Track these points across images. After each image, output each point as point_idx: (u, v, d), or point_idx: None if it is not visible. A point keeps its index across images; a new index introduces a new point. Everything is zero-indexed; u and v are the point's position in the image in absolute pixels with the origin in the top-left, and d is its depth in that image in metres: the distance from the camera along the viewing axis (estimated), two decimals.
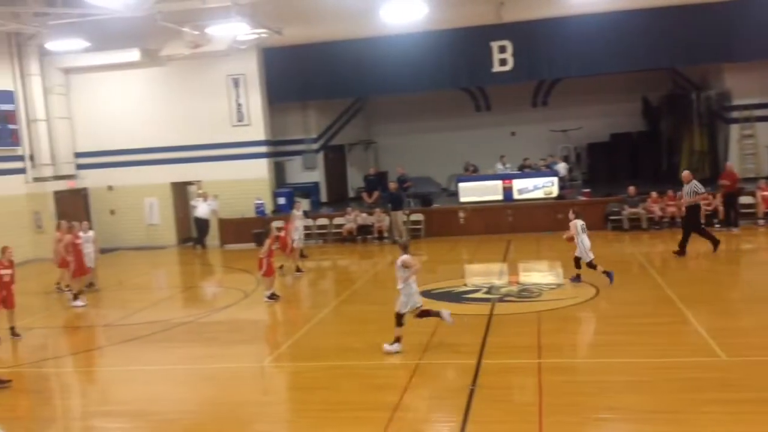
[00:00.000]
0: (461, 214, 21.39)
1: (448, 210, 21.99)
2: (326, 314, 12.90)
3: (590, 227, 19.88)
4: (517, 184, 21.82)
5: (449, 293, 13.55)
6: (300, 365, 9.93)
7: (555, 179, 21.81)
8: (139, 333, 12.01)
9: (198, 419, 8.13)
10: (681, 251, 15.67)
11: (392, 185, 21.50)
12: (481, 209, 21.45)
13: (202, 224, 22.52)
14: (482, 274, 16.04)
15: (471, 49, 22.22)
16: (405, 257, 9.87)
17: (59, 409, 9.19)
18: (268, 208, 22.91)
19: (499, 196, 21.80)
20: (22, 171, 22.35)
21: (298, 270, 16.84)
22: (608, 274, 13.10)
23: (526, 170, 23.29)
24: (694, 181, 15.82)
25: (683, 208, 16.44)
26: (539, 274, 15.89)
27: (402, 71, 22.32)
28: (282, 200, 23.03)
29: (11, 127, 21.84)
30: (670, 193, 19.97)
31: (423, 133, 28.40)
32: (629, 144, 27.01)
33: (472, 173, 23.84)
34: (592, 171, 27.20)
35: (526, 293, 13.25)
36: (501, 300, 12.76)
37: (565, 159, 25.04)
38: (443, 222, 21.65)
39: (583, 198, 21.17)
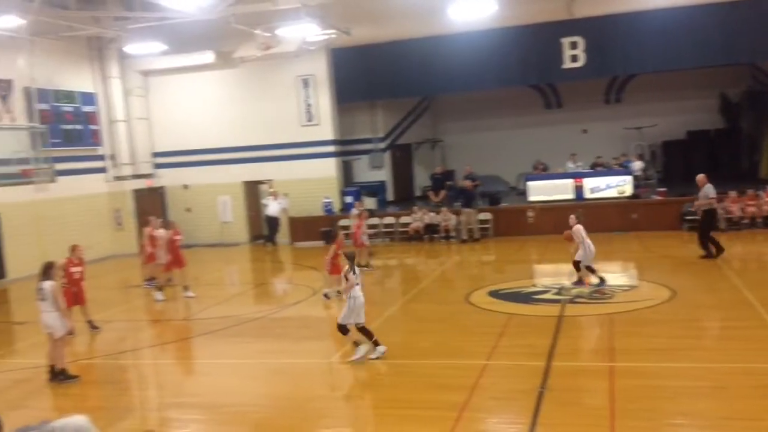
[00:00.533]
0: (530, 214, 21.09)
1: (516, 209, 21.73)
2: (393, 312, 12.96)
3: (666, 227, 19.50)
4: (589, 183, 21.37)
5: (518, 294, 13.40)
6: (366, 362, 10.00)
7: (629, 178, 21.26)
8: (212, 327, 12.36)
9: (267, 413, 8.30)
10: (708, 254, 15.33)
11: (466, 183, 21.36)
12: (551, 208, 21.08)
13: (273, 222, 22.95)
14: (552, 274, 15.77)
15: (541, 45, 21.87)
16: (345, 269, 9.84)
17: (136, 400, 9.54)
18: (336, 206, 23.17)
19: (570, 195, 21.40)
20: (103, 170, 23.30)
21: (367, 266, 17.02)
22: (602, 280, 13.23)
23: (599, 169, 22.78)
24: (709, 185, 15.56)
25: (698, 212, 16.11)
26: (612, 275, 15.49)
27: (469, 69, 22.18)
28: (349, 199, 23.24)
29: (93, 127, 22.79)
30: (750, 192, 19.18)
31: (491, 131, 28.15)
32: (706, 142, 26.06)
33: (542, 171, 23.47)
34: (667, 170, 26.38)
35: (597, 295, 12.96)
36: (571, 301, 12.52)
37: (640, 157, 24.35)
38: (511, 221, 21.41)
39: (658, 197, 20.56)
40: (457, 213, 21.54)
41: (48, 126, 19.59)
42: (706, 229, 15.60)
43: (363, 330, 9.80)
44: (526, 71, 22.53)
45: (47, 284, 9.78)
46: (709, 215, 15.63)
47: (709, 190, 15.47)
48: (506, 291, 13.64)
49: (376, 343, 9.77)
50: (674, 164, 26.20)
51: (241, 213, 24.38)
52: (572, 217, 13.74)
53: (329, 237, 14.33)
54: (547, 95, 28.27)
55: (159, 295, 15.07)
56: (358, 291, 9.75)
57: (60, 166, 19.87)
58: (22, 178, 17.08)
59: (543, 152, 25.10)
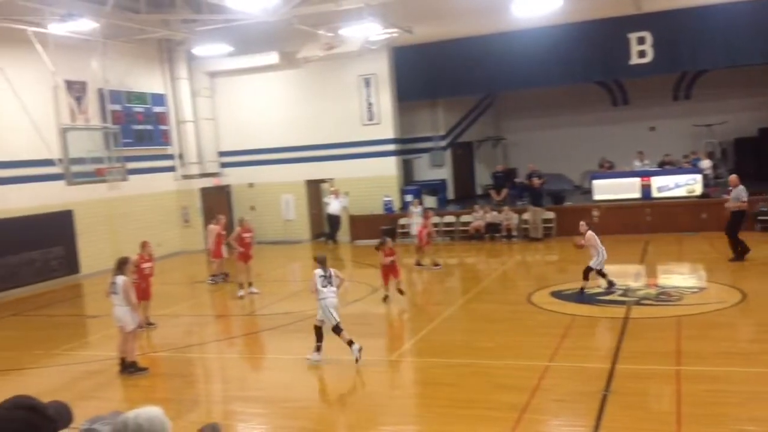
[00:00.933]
0: (595, 213, 20.64)
1: (581, 208, 21.30)
2: (453, 311, 12.92)
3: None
4: (657, 182, 20.79)
5: (582, 294, 13.14)
6: (426, 361, 10.01)
7: (698, 177, 20.59)
8: (276, 323, 12.58)
9: (328, 409, 8.42)
10: (737, 257, 15.14)
11: (534, 181, 21.10)
12: (617, 208, 20.61)
13: (334, 220, 23.19)
14: (617, 275, 15.39)
15: (606, 41, 21.40)
16: (315, 271, 9.96)
17: (202, 393, 9.81)
18: (396, 205, 23.24)
19: (637, 194, 20.87)
20: (171, 169, 23.99)
21: (436, 265, 17.14)
22: (611, 284, 13.09)
23: (667, 167, 22.13)
24: (741, 186, 15.35)
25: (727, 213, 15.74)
26: (680, 276, 15.06)
27: (533, 66, 21.88)
28: (409, 197, 23.26)
29: (162, 127, 23.50)
30: None
31: (555, 129, 27.70)
32: None
33: (608, 170, 22.97)
34: (738, 168, 25.29)
35: (664, 297, 12.61)
36: (637, 303, 12.22)
37: (710, 155, 23.55)
38: (576, 220, 20.74)
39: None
40: (519, 211, 21.30)
41: (120, 126, 20.30)
42: (731, 230, 15.46)
43: (337, 330, 9.79)
44: (591, 67, 22.09)
45: (120, 279, 10.16)
46: (737, 216, 15.48)
47: (741, 192, 15.39)
48: (569, 291, 13.42)
49: (350, 343, 9.69)
50: (745, 162, 25.18)
51: (304, 211, 24.72)
52: (582, 223, 13.63)
53: (378, 244, 14.06)
54: (613, 92, 27.62)
55: (240, 292, 15.22)
56: (327, 292, 9.88)
57: (131, 165, 20.56)
58: (95, 177, 17.73)
59: (609, 150, 24.52)
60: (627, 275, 14.63)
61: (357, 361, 9.55)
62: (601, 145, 25.39)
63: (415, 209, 19.98)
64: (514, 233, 20.96)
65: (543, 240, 20.44)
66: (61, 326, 13.36)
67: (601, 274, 13.16)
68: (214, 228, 16.96)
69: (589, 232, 13.31)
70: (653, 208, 20.46)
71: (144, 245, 13.05)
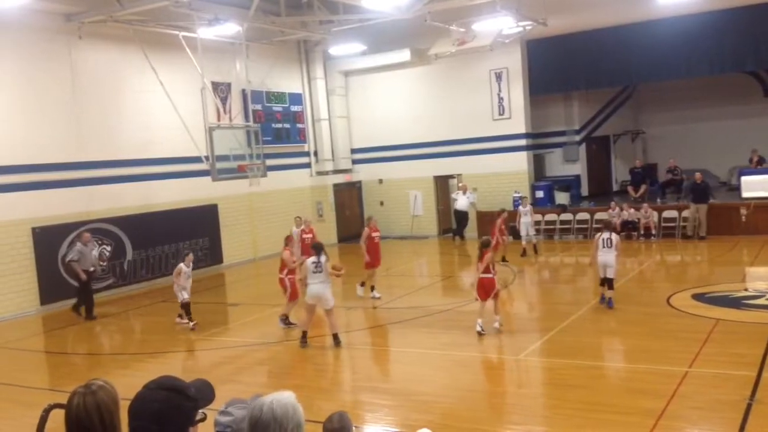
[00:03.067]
0: (743, 211, 19.27)
1: (727, 206, 19.96)
2: (584, 312, 12.53)
3: None
4: None
5: (726, 298, 12.36)
6: (556, 361, 9.79)
7: None
8: (403, 317, 12.77)
9: (454, 404, 8.43)
10: None
11: (698, 176, 19.90)
12: None
13: (461, 216, 23.11)
14: (767, 278, 14.35)
15: (759, 28, 19.89)
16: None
17: (333, 382, 10.15)
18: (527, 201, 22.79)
19: None
20: (307, 165, 24.92)
21: (504, 260, 17.41)
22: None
23: None
24: None
25: None
26: None
27: (677, 56, 20.76)
28: (540, 193, 22.79)
29: (299, 126, 24.45)
30: None
31: (698, 122, 26.10)
32: None
33: (758, 165, 21.35)
34: None
35: None
36: None
37: None
38: (722, 219, 19.69)
39: None
40: (659, 209, 20.31)
41: (260, 125, 21.31)
42: None
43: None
44: (740, 56, 20.62)
45: (324, 258, 10.95)
46: None
47: None
48: (713, 294, 12.64)
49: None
50: None
51: (431, 207, 24.84)
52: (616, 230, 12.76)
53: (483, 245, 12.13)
54: (765, 82, 25.59)
55: (370, 293, 14.86)
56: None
57: (270, 162, 21.55)
58: (238, 173, 18.71)
59: (759, 144, 22.76)
60: None
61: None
62: (750, 139, 23.60)
63: (524, 208, 19.39)
64: (653, 232, 19.98)
65: (706, 239, 19.21)
66: (206, 313, 14.23)
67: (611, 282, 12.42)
68: (295, 236, 15.16)
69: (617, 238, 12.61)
70: None
71: (300, 221, 13.68)
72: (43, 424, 3.50)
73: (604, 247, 12.17)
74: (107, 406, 2.56)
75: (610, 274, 12.20)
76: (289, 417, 2.50)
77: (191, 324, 12.99)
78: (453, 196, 23.87)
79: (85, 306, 14.92)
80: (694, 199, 19.58)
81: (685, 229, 19.69)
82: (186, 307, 13.08)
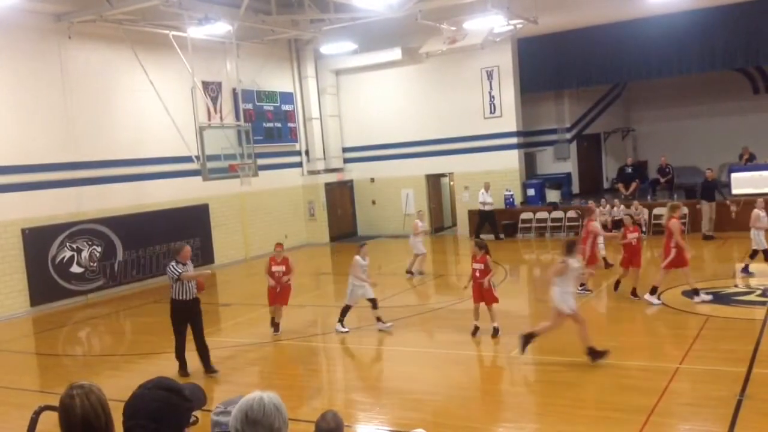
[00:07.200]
0: (733, 208, 19.34)
1: (717, 203, 20.05)
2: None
3: None
4: None
5: (716, 294, 12.42)
6: (547, 359, 9.82)
7: None
8: (395, 316, 12.77)
9: (447, 402, 8.44)
10: None
11: (708, 173, 19.87)
12: None
13: (489, 216, 21.99)
14: (757, 274, 14.42)
15: (749, 25, 20.01)
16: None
17: (325, 381, 10.14)
18: (518, 199, 22.86)
19: None
20: (299, 165, 24.88)
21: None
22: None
23: None
24: None
25: None
26: None
27: (666, 54, 20.88)
28: (531, 191, 22.82)
29: (291, 125, 24.41)
30: None
31: (689, 119, 26.23)
32: None
33: (748, 162, 21.46)
34: None
35: None
36: None
37: None
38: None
39: None
40: (650, 206, 20.37)
41: (251, 124, 21.25)
42: None
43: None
44: (730, 54, 20.74)
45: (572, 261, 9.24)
46: None
47: None
48: (703, 291, 12.69)
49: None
50: None
51: (423, 205, 24.82)
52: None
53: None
54: (754, 79, 25.75)
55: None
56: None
57: (261, 161, 21.51)
58: (229, 173, 18.66)
59: (750, 141, 22.87)
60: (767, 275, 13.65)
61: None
62: (740, 136, 23.72)
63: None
64: (644, 229, 20.04)
65: (714, 238, 19.22)
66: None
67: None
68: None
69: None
70: None
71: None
72: (34, 426, 3.49)
73: None
74: (106, 404, 2.67)
75: None
76: (276, 415, 2.53)
77: None
78: (479, 197, 22.17)
79: None
80: (704, 197, 19.46)
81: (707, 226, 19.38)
82: None
